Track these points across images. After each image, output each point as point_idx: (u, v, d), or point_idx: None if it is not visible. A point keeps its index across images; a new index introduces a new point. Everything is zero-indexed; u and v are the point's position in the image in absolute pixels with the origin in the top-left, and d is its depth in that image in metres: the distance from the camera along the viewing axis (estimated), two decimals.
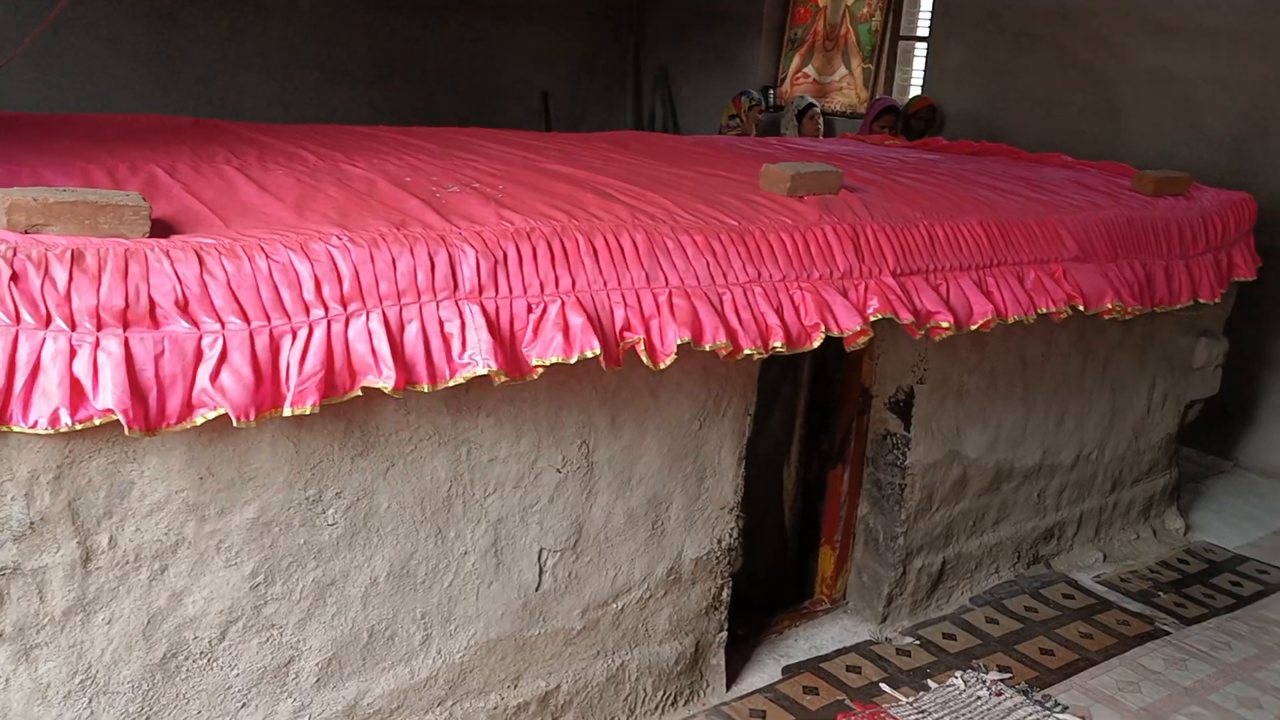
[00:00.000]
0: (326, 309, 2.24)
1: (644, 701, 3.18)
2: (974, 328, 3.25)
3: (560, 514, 2.86)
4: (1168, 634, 3.93)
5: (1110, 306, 3.68)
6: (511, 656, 2.88)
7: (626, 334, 2.60)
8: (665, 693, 3.22)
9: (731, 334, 2.74)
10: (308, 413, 2.18)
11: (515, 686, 2.91)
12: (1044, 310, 3.44)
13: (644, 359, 2.61)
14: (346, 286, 2.27)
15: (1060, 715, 3.38)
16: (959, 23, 6.86)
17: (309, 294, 2.23)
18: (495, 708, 2.87)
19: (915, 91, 7.50)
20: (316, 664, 2.56)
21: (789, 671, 3.51)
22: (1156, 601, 4.17)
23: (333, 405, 2.29)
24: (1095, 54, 6.12)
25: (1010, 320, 3.35)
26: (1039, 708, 3.42)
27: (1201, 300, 4.13)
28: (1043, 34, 6.36)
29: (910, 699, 3.42)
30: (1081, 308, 3.58)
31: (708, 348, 2.70)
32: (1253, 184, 4.85)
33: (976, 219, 3.47)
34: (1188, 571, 4.47)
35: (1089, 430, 4.27)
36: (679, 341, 2.63)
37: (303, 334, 2.21)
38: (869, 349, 3.55)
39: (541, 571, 2.87)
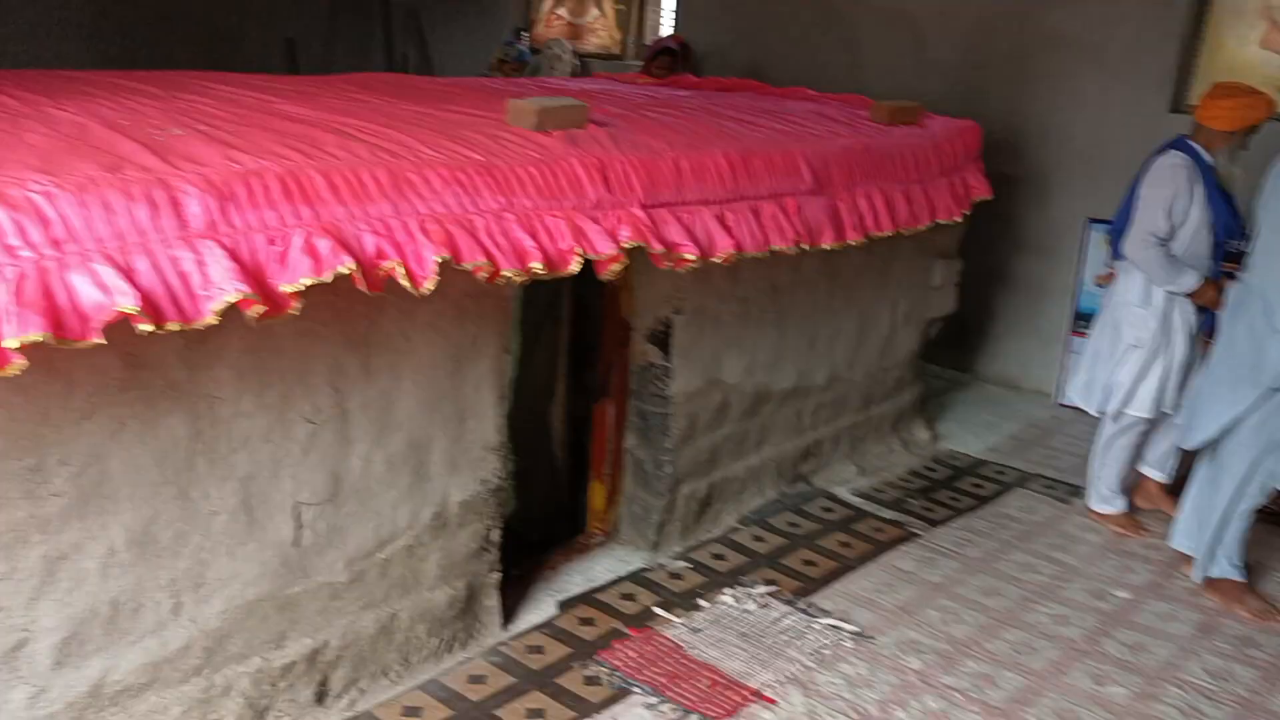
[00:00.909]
0: (38, 252, 2.05)
1: (419, 649, 3.14)
2: (718, 259, 3.32)
3: (316, 466, 2.77)
4: (918, 536, 4.20)
5: (829, 248, 3.82)
6: (274, 616, 2.78)
7: (382, 261, 2.52)
8: (440, 639, 3.19)
9: (489, 256, 2.70)
10: (14, 372, 2.00)
11: (280, 647, 2.81)
12: (776, 248, 3.55)
13: (405, 284, 2.54)
14: (57, 231, 2.08)
15: (823, 620, 3.56)
16: None
17: (13, 239, 2.03)
18: (259, 671, 2.76)
19: (667, 31, 7.58)
20: (52, 644, 2.39)
21: (565, 606, 3.55)
22: (907, 508, 4.45)
23: (49, 364, 2.11)
24: None
25: (748, 255, 3.44)
26: (803, 615, 3.59)
27: (942, 220, 4.38)
28: None
29: (683, 619, 3.52)
30: (806, 246, 3.71)
31: (468, 266, 2.65)
32: (977, 112, 5.16)
33: (721, 150, 3.54)
34: (935, 478, 4.78)
35: (839, 351, 4.48)
36: (437, 259, 2.57)
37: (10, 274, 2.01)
38: (626, 282, 3.59)
39: (299, 526, 2.77)
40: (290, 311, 2.36)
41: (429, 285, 2.58)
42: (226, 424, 2.57)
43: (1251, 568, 3.93)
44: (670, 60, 6.45)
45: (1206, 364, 3.90)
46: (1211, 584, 3.86)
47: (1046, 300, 5.85)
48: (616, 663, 3.28)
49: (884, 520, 4.32)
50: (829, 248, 3.81)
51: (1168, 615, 3.75)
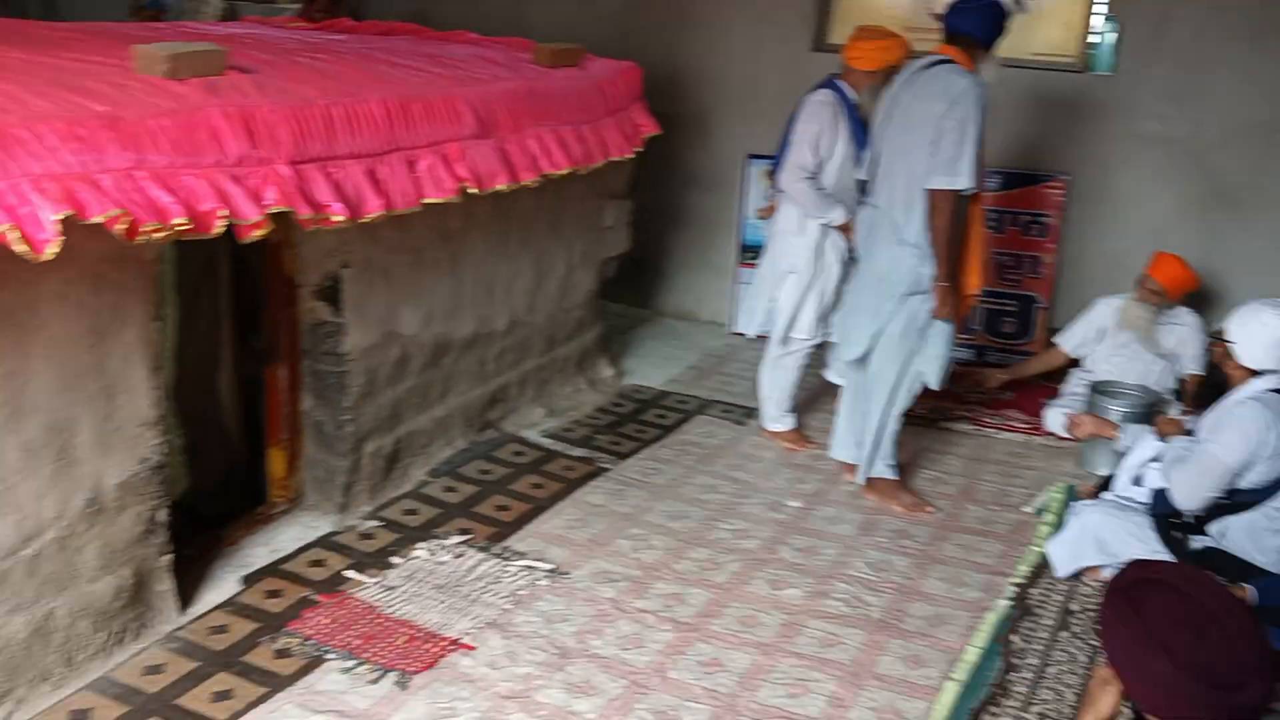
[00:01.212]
0: None
1: (83, 647, 2.89)
2: (367, 219, 3.21)
3: None
4: (607, 470, 4.32)
5: (505, 189, 3.81)
6: None
7: None
8: (108, 632, 2.95)
9: (123, 207, 2.48)
10: None
11: None
12: (431, 201, 3.47)
13: (22, 249, 2.27)
14: None
15: (517, 562, 3.59)
16: None
17: None
18: None
19: None
20: None
21: (249, 580, 3.39)
22: (596, 444, 4.55)
23: None
24: None
25: (399, 211, 3.35)
26: (498, 559, 3.61)
27: (615, 157, 4.46)
28: None
29: (376, 579, 3.44)
30: (476, 190, 3.68)
31: (100, 219, 2.41)
32: (638, 54, 5.26)
33: (376, 97, 3.40)
34: (621, 413, 4.92)
35: (518, 296, 4.49)
36: (57, 217, 2.32)
37: None
38: (287, 238, 3.41)
39: None
40: None
41: (51, 249, 2.34)
42: None
43: (903, 467, 4.31)
44: (330, 3, 6.16)
45: (853, 284, 4.22)
46: (870, 484, 4.21)
47: (716, 234, 6.12)
48: (308, 632, 3.17)
49: (574, 459, 4.40)
50: (504, 189, 3.77)
51: (834, 518, 4.06)
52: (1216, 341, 3.61)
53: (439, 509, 3.91)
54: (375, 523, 3.78)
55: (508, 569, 3.56)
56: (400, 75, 3.75)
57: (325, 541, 3.64)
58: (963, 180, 3.78)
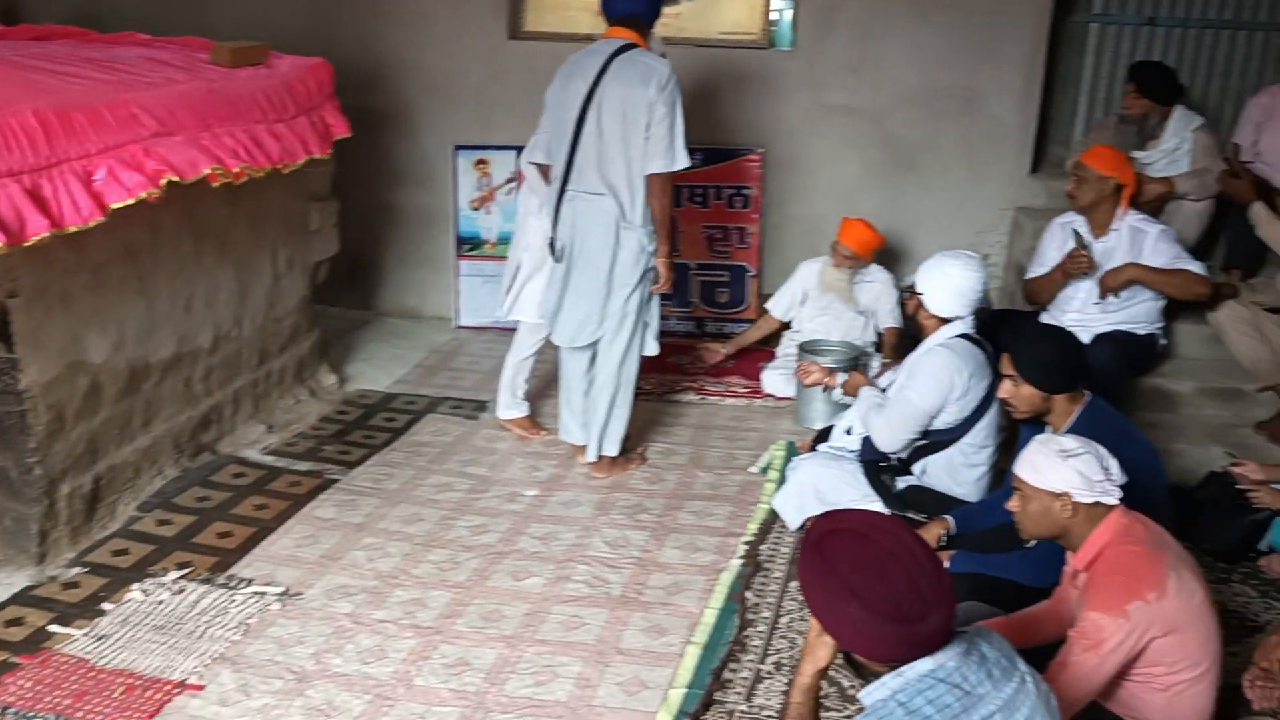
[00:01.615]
0: None
1: None
2: (28, 244, 2.94)
3: None
4: (337, 481, 4.16)
5: (211, 171, 3.61)
6: None
7: None
8: None
9: None
10: None
11: None
12: (120, 204, 3.24)
13: None
14: None
15: (244, 589, 3.40)
16: None
17: None
18: None
19: None
20: None
21: None
22: (323, 455, 4.38)
23: None
24: None
25: (70, 230, 3.10)
26: (224, 589, 3.41)
27: (315, 155, 4.27)
28: None
29: (85, 630, 3.17)
30: (178, 179, 3.46)
31: None
32: (332, 47, 5.09)
33: (31, 109, 3.12)
34: (347, 420, 4.75)
35: (222, 309, 4.24)
36: None
37: None
38: None
39: None
40: None
41: None
42: None
43: (630, 436, 4.38)
44: None
45: (570, 273, 4.14)
46: (599, 462, 4.27)
47: (432, 228, 6.01)
48: (9, 699, 2.88)
49: (300, 473, 4.22)
50: (190, 180, 3.56)
51: (571, 502, 4.09)
52: (909, 294, 3.87)
53: (153, 545, 3.65)
54: (80, 569, 3.48)
55: (235, 598, 3.36)
56: (59, 84, 3.44)
57: (22, 597, 3.32)
58: (681, 161, 3.94)
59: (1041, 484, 2.56)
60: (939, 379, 3.61)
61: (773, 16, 5.67)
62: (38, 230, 2.95)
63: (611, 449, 4.27)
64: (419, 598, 3.43)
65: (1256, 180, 4.77)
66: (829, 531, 1.85)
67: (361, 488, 4.13)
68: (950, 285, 3.65)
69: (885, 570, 1.76)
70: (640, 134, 3.89)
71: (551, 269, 4.21)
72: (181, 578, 3.45)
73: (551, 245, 4.15)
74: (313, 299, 4.95)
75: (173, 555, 3.59)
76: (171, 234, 3.88)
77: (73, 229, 3.11)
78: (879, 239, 5.10)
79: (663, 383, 5.24)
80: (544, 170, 4.23)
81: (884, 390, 3.85)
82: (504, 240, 5.54)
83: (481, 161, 5.72)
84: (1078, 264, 4.35)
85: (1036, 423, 3.23)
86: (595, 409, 4.21)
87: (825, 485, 3.78)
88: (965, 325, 3.70)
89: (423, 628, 3.27)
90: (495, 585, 3.52)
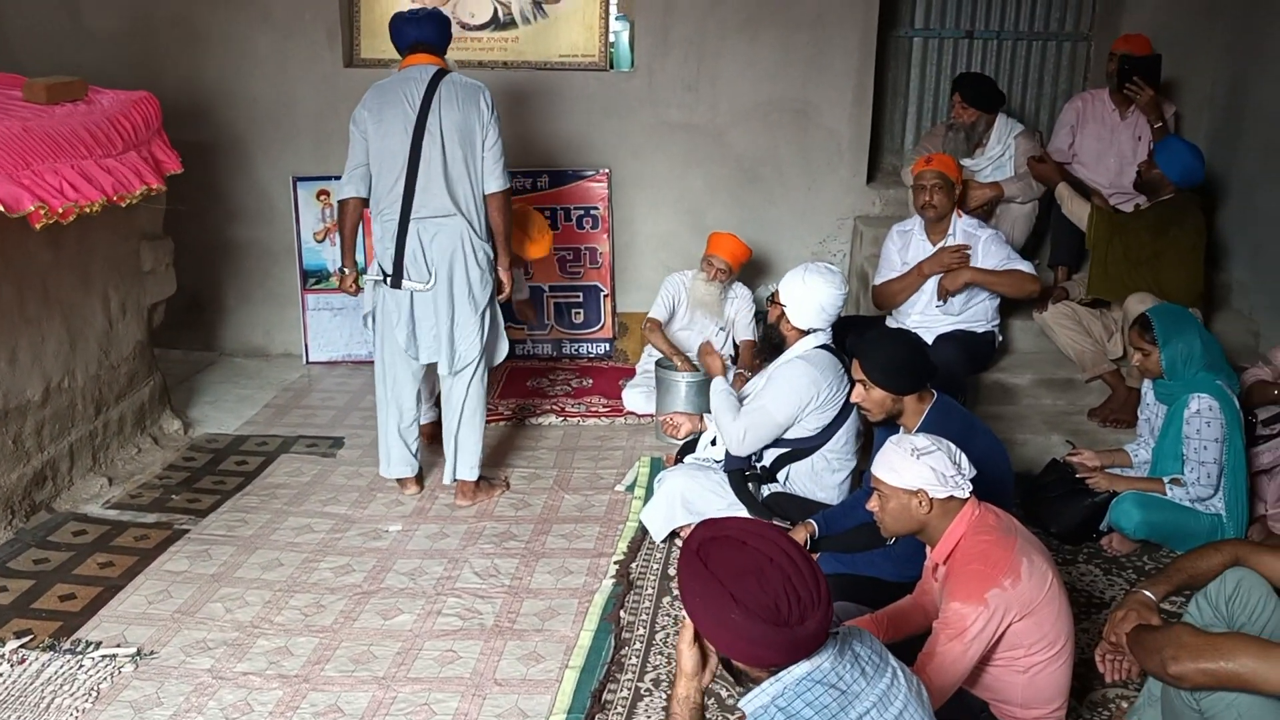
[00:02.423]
0: None
1: None
2: None
3: None
4: (188, 532, 3.98)
5: (34, 209, 3.42)
6: None
7: None
8: None
9: None
10: None
11: None
12: None
13: None
14: None
15: (93, 653, 3.21)
16: None
17: None
18: None
19: None
20: None
21: None
22: (171, 505, 4.19)
23: None
24: None
25: None
26: (70, 655, 3.21)
27: (151, 187, 4.07)
28: None
29: None
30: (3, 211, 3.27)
31: None
32: (154, 81, 4.89)
33: None
34: (195, 467, 4.55)
35: (50, 360, 4.01)
36: None
37: None
38: None
39: None
40: None
41: None
42: None
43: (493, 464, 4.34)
44: None
45: (435, 300, 4.04)
46: (464, 487, 4.23)
47: (273, 263, 5.84)
48: None
49: (147, 525, 4.01)
50: (29, 218, 3.38)
51: (437, 534, 4.01)
52: (771, 303, 3.94)
53: None
54: None
55: (83, 663, 3.17)
56: None
57: None
58: (508, 180, 4.09)
59: (898, 483, 2.64)
60: (796, 391, 3.68)
61: (610, 39, 5.72)
62: None
63: (473, 473, 4.21)
64: (283, 645, 3.30)
65: (1060, 165, 5.07)
66: (708, 539, 1.86)
67: (215, 536, 3.95)
68: (812, 298, 3.74)
69: (764, 575, 1.78)
70: (478, 155, 4.00)
71: (411, 300, 4.05)
72: (21, 646, 3.23)
73: (395, 272, 4.01)
74: (150, 342, 4.73)
75: (10, 623, 3.36)
76: None
77: None
78: (748, 251, 5.18)
79: (523, 406, 5.21)
80: (346, 206, 4.07)
81: (742, 401, 3.90)
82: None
83: (323, 192, 5.59)
84: (957, 257, 4.55)
85: (890, 424, 3.33)
86: (456, 432, 4.17)
87: (692, 495, 3.81)
88: (825, 336, 3.80)
89: (289, 676, 3.14)
90: (364, 626, 3.41)
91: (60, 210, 3.55)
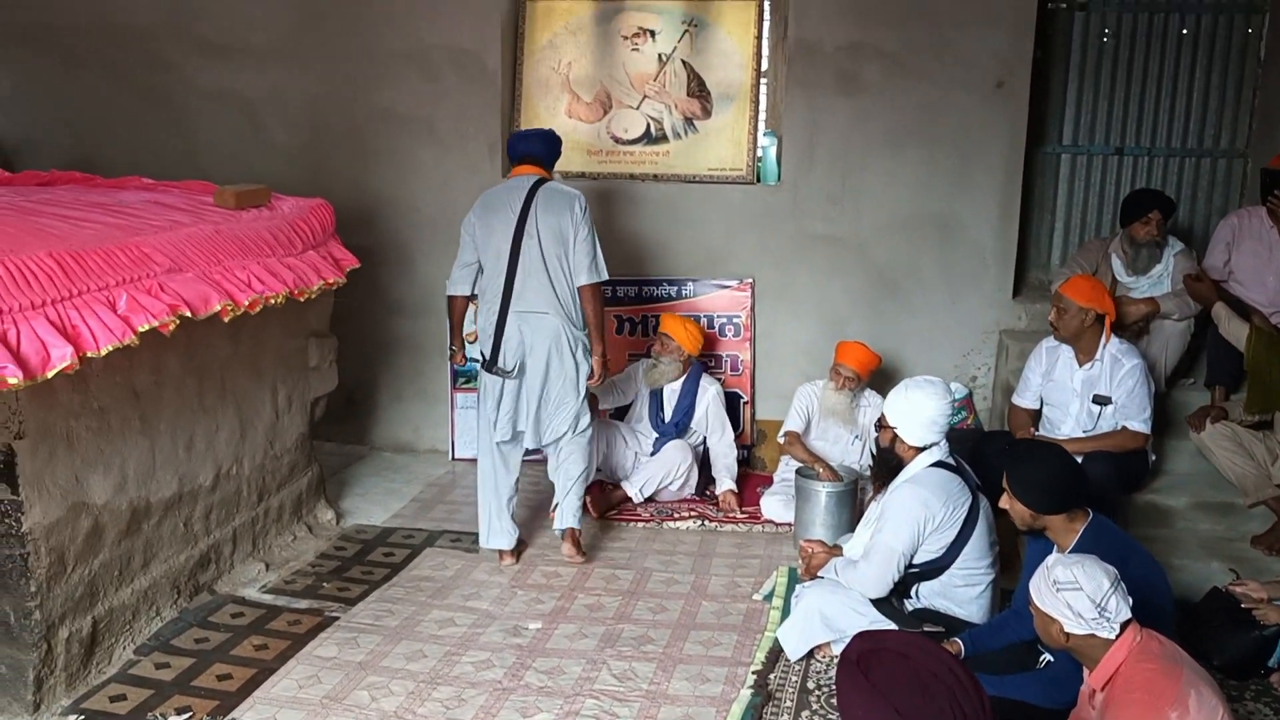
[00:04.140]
0: None
1: None
2: (50, 375, 2.97)
3: None
4: (337, 619, 4.10)
5: (222, 308, 3.68)
6: None
7: None
8: None
9: None
10: None
11: None
12: (145, 328, 3.29)
13: None
14: None
15: None
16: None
17: None
18: None
19: None
20: None
21: None
22: (322, 593, 4.33)
23: None
24: (155, 74, 6.04)
25: (103, 352, 3.15)
26: None
27: (328, 281, 4.40)
28: (94, 55, 6.09)
29: None
30: (189, 314, 3.52)
31: None
32: (325, 189, 5.21)
33: (46, 251, 3.18)
34: (345, 556, 4.71)
35: (222, 448, 4.24)
36: None
37: None
38: None
39: None
40: None
41: None
42: None
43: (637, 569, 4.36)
44: None
45: (542, 383, 4.53)
46: (570, 535, 4.71)
47: (425, 363, 6.07)
48: None
49: (300, 611, 4.16)
50: (219, 314, 3.67)
51: (575, 635, 4.04)
52: (881, 426, 3.91)
53: (151, 689, 3.56)
54: (76, 716, 3.39)
55: None
56: (69, 229, 3.51)
57: None
58: (604, 274, 4.52)
59: (1040, 605, 2.59)
60: (909, 517, 3.65)
61: (758, 153, 5.87)
62: (61, 358, 2.98)
63: (577, 522, 4.70)
64: None
65: (1217, 284, 4.95)
66: (868, 651, 1.86)
67: (363, 625, 4.07)
68: (919, 413, 3.73)
69: (930, 691, 1.77)
70: (570, 254, 4.45)
71: (501, 384, 4.54)
72: None
73: (492, 362, 4.51)
74: (311, 435, 4.96)
75: (172, 699, 3.51)
76: (174, 374, 3.91)
77: (107, 349, 3.16)
78: (876, 359, 5.20)
79: (661, 509, 5.24)
80: (456, 301, 4.68)
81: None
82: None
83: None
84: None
85: (1041, 534, 3.25)
86: (566, 489, 4.66)
87: (832, 612, 3.76)
88: (940, 451, 3.75)
89: None
90: None
91: (246, 303, 3.82)
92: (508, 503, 4.64)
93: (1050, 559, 2.69)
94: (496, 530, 4.63)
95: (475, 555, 4.74)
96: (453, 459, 5.98)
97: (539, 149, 4.62)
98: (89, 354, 3.11)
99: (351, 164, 5.93)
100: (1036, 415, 4.88)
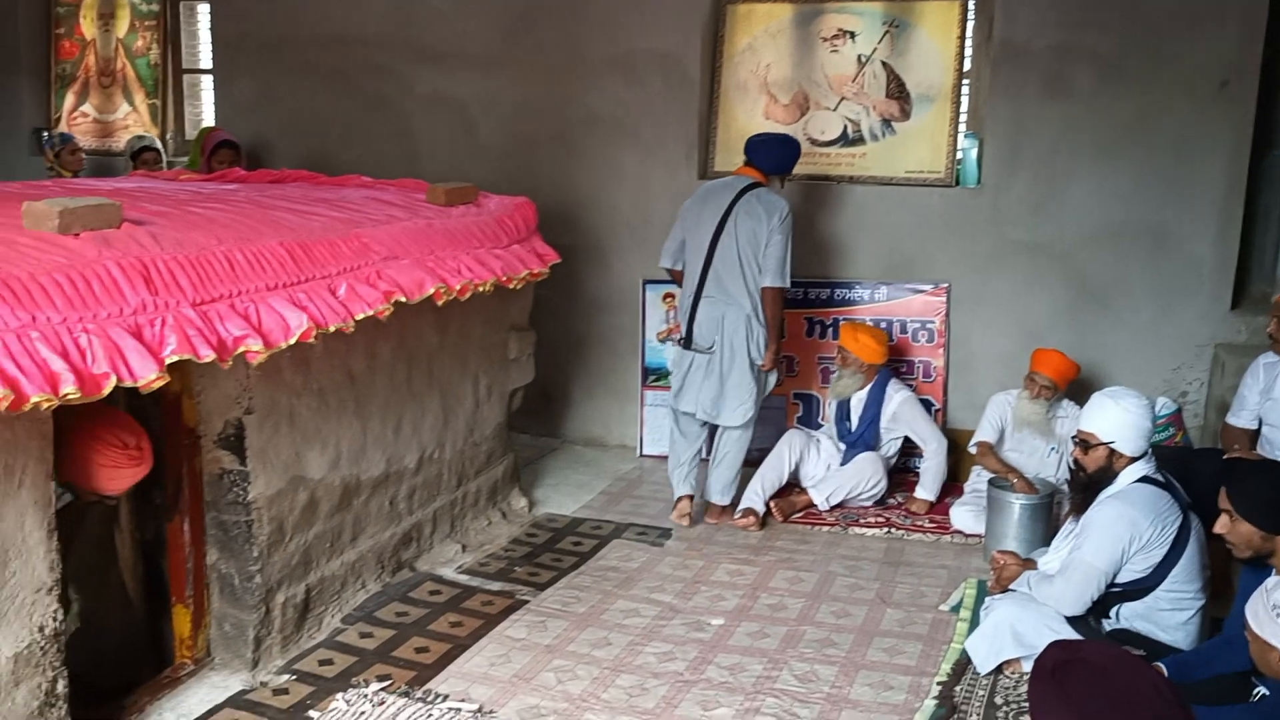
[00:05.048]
0: None
1: None
2: (289, 343, 3.20)
3: None
4: (527, 603, 4.25)
5: (435, 290, 3.87)
6: None
7: None
8: None
9: (11, 383, 2.41)
10: None
11: None
12: (362, 315, 3.51)
13: None
14: None
15: (441, 704, 3.48)
16: (242, 55, 6.79)
17: None
18: None
19: (209, 124, 7.26)
20: None
21: None
22: (513, 576, 4.49)
23: None
24: (380, 81, 6.43)
25: (330, 329, 3.37)
26: (421, 704, 3.49)
27: (533, 271, 4.58)
28: (326, 64, 6.53)
29: None
30: (404, 299, 3.73)
31: None
32: (530, 188, 5.40)
33: (277, 240, 3.44)
34: (536, 543, 4.87)
35: (426, 432, 4.46)
36: None
37: None
38: (187, 385, 3.37)
39: None
40: None
41: None
42: None
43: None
44: (233, 154, 6.19)
45: (720, 365, 4.91)
46: (712, 508, 5.12)
47: (618, 360, 6.20)
48: None
49: (492, 593, 4.33)
50: (433, 297, 3.88)
51: (757, 633, 4.05)
52: (1084, 447, 3.71)
53: (355, 656, 3.79)
54: (289, 676, 3.64)
55: (431, 713, 3.44)
56: (298, 221, 3.77)
57: (237, 701, 3.48)
58: (788, 281, 4.88)
59: (1258, 630, 2.43)
60: (1114, 535, 3.49)
61: (958, 155, 5.74)
62: (298, 327, 3.22)
63: (720, 498, 5.10)
64: None
65: None
66: (1066, 661, 1.80)
67: (551, 610, 4.20)
68: (1136, 422, 3.61)
69: (1132, 710, 1.70)
70: (759, 256, 4.81)
71: (689, 359, 4.98)
72: (382, 690, 3.56)
73: (688, 340, 4.96)
74: (507, 425, 5.15)
75: (373, 667, 3.72)
76: (386, 361, 4.14)
77: (333, 328, 3.38)
78: (1075, 367, 5.00)
79: (847, 514, 5.19)
80: (672, 271, 5.14)
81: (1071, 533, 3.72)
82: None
83: (669, 295, 5.90)
84: None
85: (1258, 562, 3.06)
86: (720, 469, 5.07)
87: (1024, 627, 3.64)
88: (1147, 465, 3.59)
89: None
90: (684, 714, 3.49)
91: (458, 287, 4.00)
92: (687, 463, 5.12)
93: (1270, 581, 2.54)
94: (677, 480, 5.13)
95: (661, 549, 4.81)
96: (640, 455, 6.08)
97: (759, 154, 4.98)
98: (318, 330, 3.33)
99: (555, 165, 6.13)
100: (1254, 436, 4.59)
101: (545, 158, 6.16)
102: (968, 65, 5.77)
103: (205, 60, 7.43)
